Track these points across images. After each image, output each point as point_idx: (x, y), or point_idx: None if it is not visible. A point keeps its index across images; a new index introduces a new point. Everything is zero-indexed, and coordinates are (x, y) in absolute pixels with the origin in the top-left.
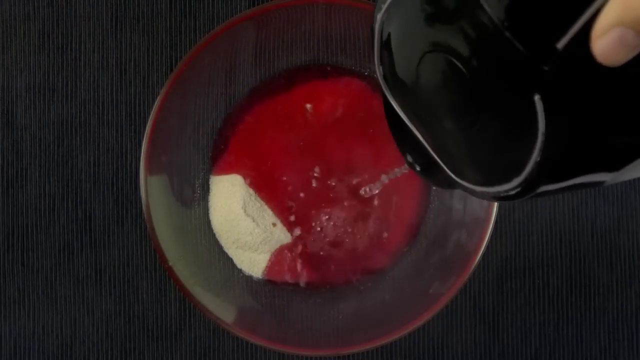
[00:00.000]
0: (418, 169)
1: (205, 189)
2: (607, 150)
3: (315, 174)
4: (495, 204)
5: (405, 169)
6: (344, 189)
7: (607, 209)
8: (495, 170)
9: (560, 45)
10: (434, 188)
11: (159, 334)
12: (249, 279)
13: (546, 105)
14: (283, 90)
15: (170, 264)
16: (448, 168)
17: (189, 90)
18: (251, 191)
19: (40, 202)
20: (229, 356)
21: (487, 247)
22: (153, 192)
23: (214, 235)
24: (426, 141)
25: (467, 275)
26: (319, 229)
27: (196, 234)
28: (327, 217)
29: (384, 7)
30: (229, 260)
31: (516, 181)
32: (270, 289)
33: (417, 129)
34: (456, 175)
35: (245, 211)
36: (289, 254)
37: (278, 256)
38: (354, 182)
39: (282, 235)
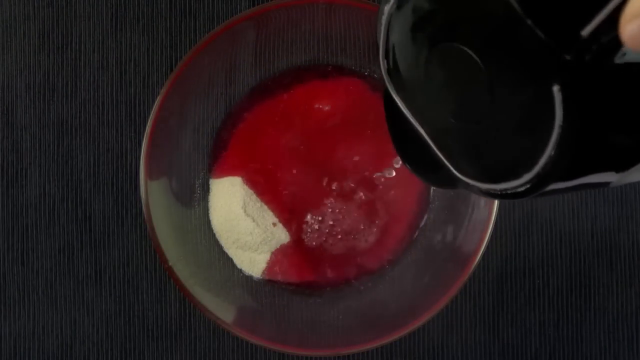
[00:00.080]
0: (417, 169)
1: (205, 189)
2: (618, 148)
3: (315, 174)
4: (496, 204)
5: (400, 167)
6: (344, 189)
7: (607, 209)
8: (503, 166)
9: (586, 32)
10: (433, 188)
11: (159, 334)
12: (249, 279)
13: (565, 96)
14: (283, 90)
15: (170, 264)
16: (451, 165)
17: (189, 90)
18: (251, 191)
19: (40, 202)
20: (229, 356)
21: (487, 247)
22: (153, 192)
23: (214, 235)
24: (429, 138)
25: (467, 275)
26: (318, 229)
27: (196, 234)
28: (327, 217)
29: None
30: (229, 260)
31: (526, 177)
32: (270, 289)
33: (421, 126)
34: (460, 173)
35: (245, 211)
36: (289, 254)
37: (278, 256)
38: (354, 182)
39: (282, 235)
